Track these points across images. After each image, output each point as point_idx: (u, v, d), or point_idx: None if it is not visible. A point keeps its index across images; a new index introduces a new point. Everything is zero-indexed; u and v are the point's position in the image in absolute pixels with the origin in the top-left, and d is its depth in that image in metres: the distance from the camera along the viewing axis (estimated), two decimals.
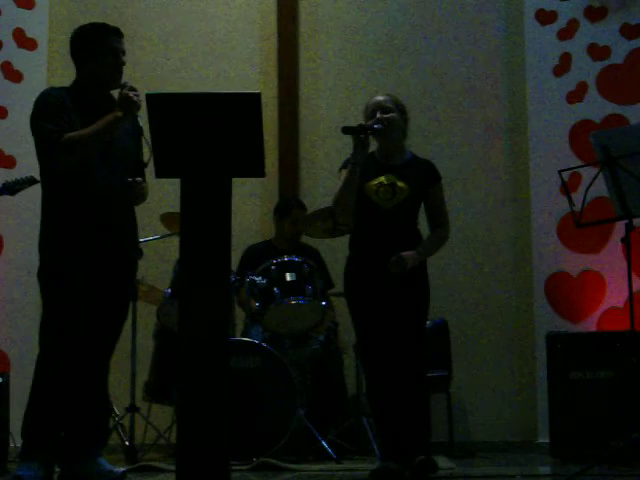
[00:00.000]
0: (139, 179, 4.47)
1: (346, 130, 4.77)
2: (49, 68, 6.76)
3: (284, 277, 5.84)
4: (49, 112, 4.42)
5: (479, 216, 6.93)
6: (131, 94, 4.36)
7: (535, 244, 6.64)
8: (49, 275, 4.46)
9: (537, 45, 6.74)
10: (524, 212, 6.81)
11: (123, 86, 4.42)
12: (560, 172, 4.78)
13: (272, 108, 7.02)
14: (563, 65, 6.68)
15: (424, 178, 4.95)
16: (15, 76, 6.72)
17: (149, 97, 3.79)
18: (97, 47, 4.52)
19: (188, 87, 6.79)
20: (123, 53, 4.59)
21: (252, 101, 3.75)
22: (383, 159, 4.96)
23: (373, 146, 4.94)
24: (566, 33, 6.70)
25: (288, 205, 6.59)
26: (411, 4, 7.24)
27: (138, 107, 4.36)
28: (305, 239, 6.50)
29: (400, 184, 4.87)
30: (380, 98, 4.96)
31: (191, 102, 3.86)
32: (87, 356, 4.44)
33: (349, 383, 6.31)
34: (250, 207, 6.98)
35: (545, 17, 6.75)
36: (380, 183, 4.88)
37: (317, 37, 7.25)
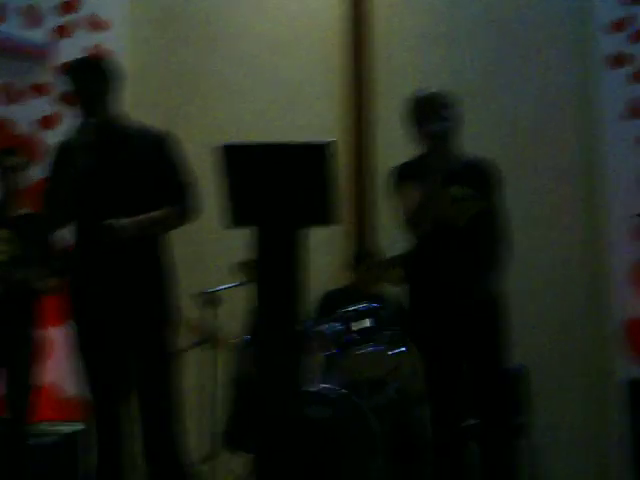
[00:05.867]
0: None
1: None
2: None
3: (361, 323, 5.84)
4: None
5: (552, 261, 6.87)
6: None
7: (611, 290, 6.57)
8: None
9: (607, 89, 6.74)
10: (599, 257, 6.75)
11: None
12: (632, 217, 4.74)
13: (350, 156, 7.06)
14: (635, 109, 6.67)
15: (486, 183, 4.54)
16: None
17: (225, 148, 3.85)
18: None
19: (265, 137, 6.86)
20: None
21: (320, 150, 3.78)
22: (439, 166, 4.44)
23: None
24: (637, 77, 6.70)
25: (358, 257, 6.65)
26: (480, 50, 7.29)
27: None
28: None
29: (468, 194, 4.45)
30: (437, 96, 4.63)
31: (263, 152, 3.90)
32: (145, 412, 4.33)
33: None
34: (326, 252, 7.01)
35: (616, 61, 6.74)
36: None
37: (394, 82, 7.28)
